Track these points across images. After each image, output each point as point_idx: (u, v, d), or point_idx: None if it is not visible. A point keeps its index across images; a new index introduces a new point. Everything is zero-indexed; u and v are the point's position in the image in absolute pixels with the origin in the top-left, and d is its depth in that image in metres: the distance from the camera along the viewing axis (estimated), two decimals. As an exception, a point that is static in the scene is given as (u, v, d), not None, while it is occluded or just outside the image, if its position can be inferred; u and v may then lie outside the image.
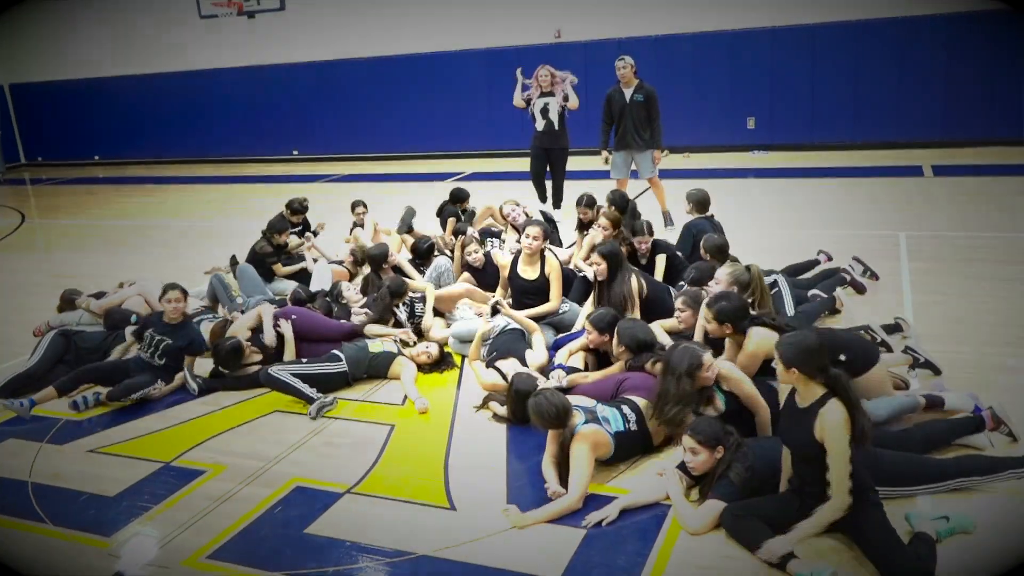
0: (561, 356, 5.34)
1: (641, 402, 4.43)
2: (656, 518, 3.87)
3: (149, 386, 5.60)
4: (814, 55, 14.42)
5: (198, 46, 18.73)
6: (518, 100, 10.01)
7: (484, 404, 5.18)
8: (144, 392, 5.57)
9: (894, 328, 5.69)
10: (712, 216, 7.05)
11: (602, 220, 6.64)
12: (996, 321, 5.94)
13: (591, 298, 6.11)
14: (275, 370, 5.47)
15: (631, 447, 4.33)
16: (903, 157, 13.28)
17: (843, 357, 4.22)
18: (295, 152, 18.67)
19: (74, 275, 8.90)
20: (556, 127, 9.84)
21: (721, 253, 5.88)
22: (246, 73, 18.55)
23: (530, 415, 4.19)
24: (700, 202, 7.00)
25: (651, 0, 15.06)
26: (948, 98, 13.80)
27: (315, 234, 8.76)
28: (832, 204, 10.40)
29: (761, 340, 4.36)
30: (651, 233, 6.65)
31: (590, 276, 6.30)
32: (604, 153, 9.61)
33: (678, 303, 5.30)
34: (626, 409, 4.38)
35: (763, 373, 4.45)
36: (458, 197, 8.84)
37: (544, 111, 9.86)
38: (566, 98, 9.79)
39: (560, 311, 6.21)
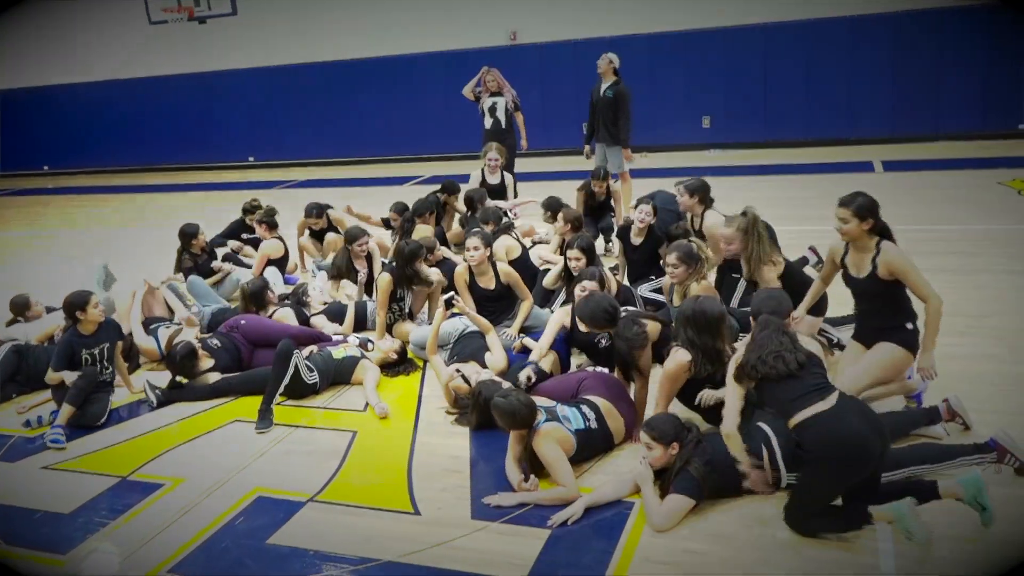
0: (533, 356, 5.34)
1: (600, 402, 4.46)
2: (621, 515, 3.89)
3: (108, 402, 5.51)
4: (766, 54, 14.64)
5: (148, 53, 18.42)
6: (468, 91, 10.35)
7: (452, 401, 5.18)
8: (108, 410, 5.48)
9: (845, 320, 5.79)
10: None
11: (560, 224, 6.75)
12: (945, 311, 6.05)
13: (561, 296, 6.25)
14: (297, 354, 5.44)
15: (592, 445, 4.36)
16: (854, 153, 13.54)
17: (910, 326, 4.41)
18: (251, 158, 18.47)
19: (27, 288, 8.68)
20: (503, 126, 10.06)
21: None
22: (199, 79, 18.29)
23: (496, 415, 4.19)
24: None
25: (605, 1, 15.16)
26: (896, 95, 14.10)
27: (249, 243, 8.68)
28: (786, 200, 10.55)
29: (899, 253, 4.34)
30: (637, 206, 6.70)
31: (552, 278, 6.38)
32: (586, 148, 9.71)
33: (671, 257, 5.35)
34: (585, 408, 4.41)
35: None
36: (450, 191, 8.74)
37: (492, 110, 10.11)
38: (515, 101, 10.07)
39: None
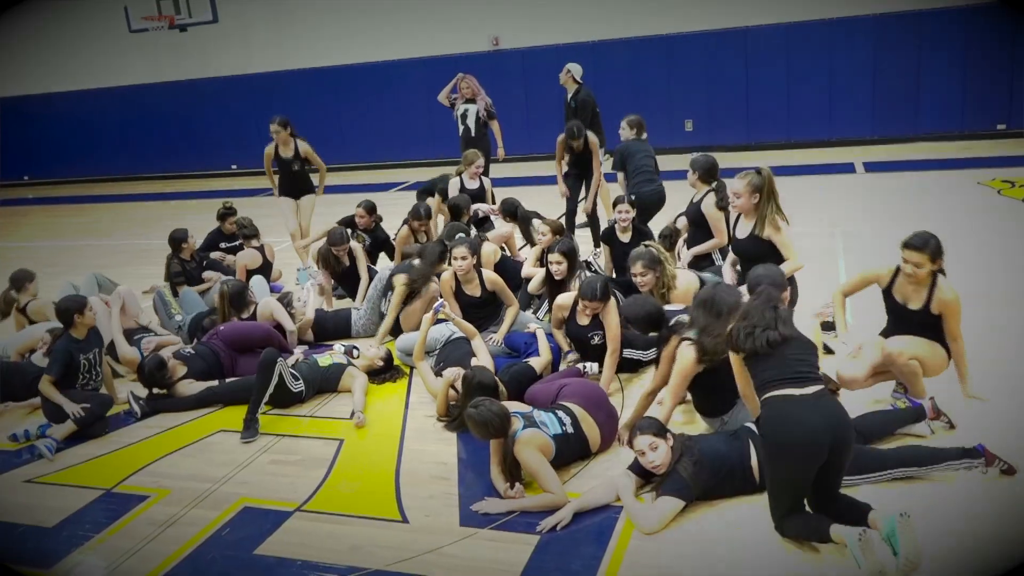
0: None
1: (576, 409, 4.46)
2: (609, 520, 3.89)
3: (111, 406, 5.51)
4: (748, 58, 14.71)
5: (129, 61, 18.30)
6: (443, 97, 10.47)
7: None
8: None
9: (828, 327, 5.82)
10: (645, 139, 7.92)
11: (543, 228, 6.77)
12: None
13: (546, 305, 6.28)
14: (281, 362, 5.39)
15: (570, 450, 4.36)
16: (835, 155, 13.62)
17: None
18: (234, 166, 18.36)
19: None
20: (473, 133, 10.10)
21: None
22: (180, 87, 18.19)
23: (470, 426, 4.19)
24: (638, 125, 7.98)
25: (587, 6, 15.20)
26: (877, 96, 14.21)
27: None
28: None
29: (956, 296, 4.39)
30: (634, 207, 6.73)
31: (536, 284, 6.38)
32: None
33: (637, 267, 5.41)
34: (561, 413, 4.41)
35: None
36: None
37: (464, 117, 10.16)
38: (488, 108, 10.08)
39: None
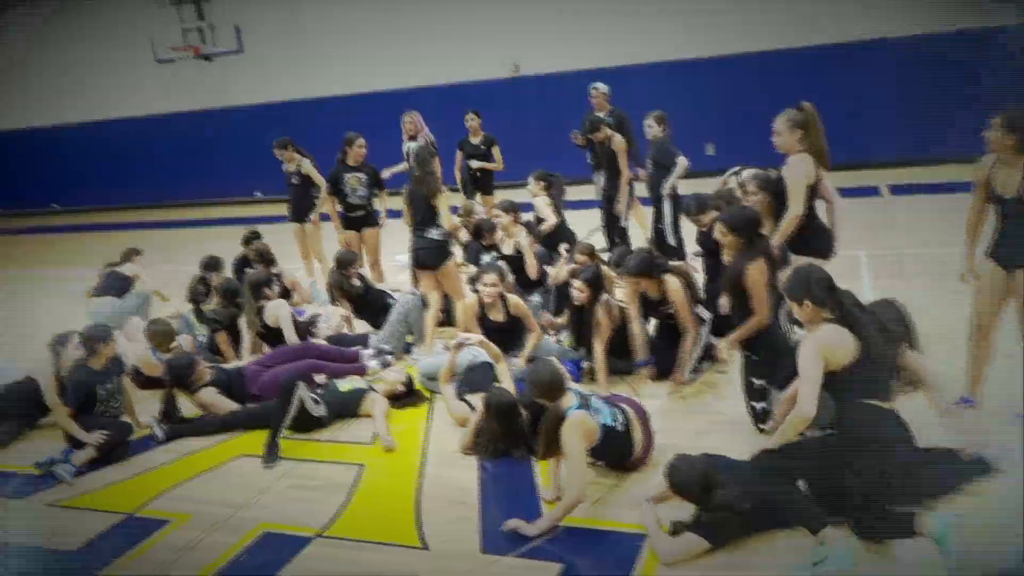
0: None
1: (629, 411, 4.46)
2: (633, 548, 3.83)
3: (131, 433, 5.55)
4: (769, 81, 14.69)
5: (155, 91, 18.61)
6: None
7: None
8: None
9: None
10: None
11: (579, 257, 6.74)
12: (957, 336, 5.99)
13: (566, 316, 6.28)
14: (302, 387, 5.43)
15: (613, 447, 4.31)
16: (860, 178, 13.51)
17: None
18: (257, 193, 18.55)
19: (33, 326, 8.69)
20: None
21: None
22: (205, 116, 18.46)
23: (528, 386, 4.27)
24: (665, 120, 8.51)
25: (607, 31, 15.29)
26: (901, 119, 14.12)
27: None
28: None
29: None
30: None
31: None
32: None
33: (751, 186, 5.51)
34: (616, 410, 4.38)
35: None
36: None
37: (407, 155, 9.97)
38: (430, 145, 9.85)
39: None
